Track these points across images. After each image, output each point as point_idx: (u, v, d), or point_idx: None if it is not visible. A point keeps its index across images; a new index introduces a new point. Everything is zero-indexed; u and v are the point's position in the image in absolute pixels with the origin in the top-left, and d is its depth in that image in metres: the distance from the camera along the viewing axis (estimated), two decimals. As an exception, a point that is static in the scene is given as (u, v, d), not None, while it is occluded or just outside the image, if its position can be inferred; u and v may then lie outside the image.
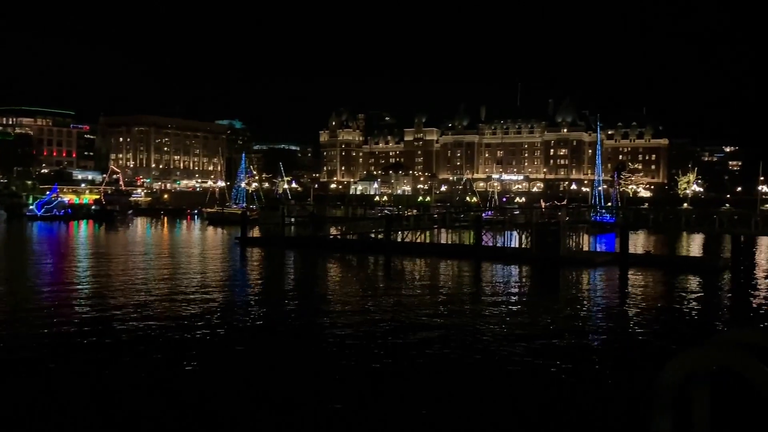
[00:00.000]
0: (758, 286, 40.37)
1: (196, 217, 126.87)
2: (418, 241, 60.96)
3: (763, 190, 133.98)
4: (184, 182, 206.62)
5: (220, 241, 73.13)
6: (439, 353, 21.61)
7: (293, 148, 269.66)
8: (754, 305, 33.42)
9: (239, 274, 44.29)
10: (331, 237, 65.36)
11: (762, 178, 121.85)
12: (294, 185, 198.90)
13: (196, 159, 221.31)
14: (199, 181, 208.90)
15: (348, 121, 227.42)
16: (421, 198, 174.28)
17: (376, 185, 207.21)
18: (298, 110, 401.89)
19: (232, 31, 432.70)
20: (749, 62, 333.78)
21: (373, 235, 61.70)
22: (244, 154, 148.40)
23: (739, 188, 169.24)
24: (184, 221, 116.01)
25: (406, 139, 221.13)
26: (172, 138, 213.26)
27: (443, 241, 67.55)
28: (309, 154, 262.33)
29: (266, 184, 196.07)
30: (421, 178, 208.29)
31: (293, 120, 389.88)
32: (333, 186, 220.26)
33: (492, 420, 15.65)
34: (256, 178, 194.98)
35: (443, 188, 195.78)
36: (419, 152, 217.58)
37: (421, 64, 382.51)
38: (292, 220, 78.40)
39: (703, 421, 4.28)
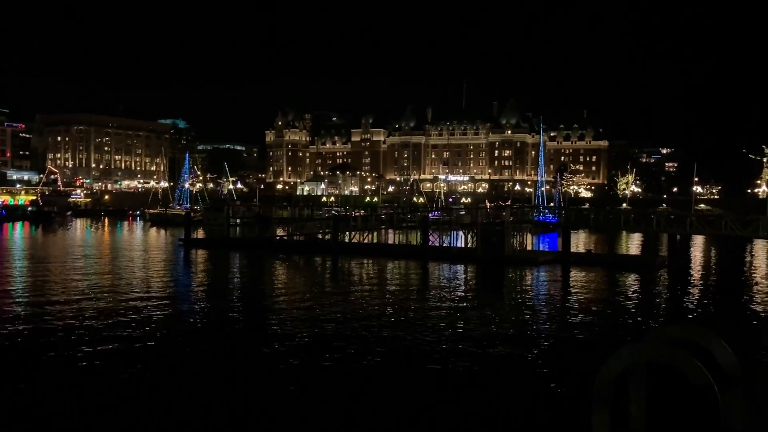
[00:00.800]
0: (693, 283, 41.97)
1: (138, 218, 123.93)
2: (366, 241, 61.03)
3: (698, 191, 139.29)
4: (125, 183, 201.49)
5: (163, 242, 71.61)
6: (386, 352, 21.68)
7: (238, 148, 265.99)
8: (690, 301, 34.72)
9: (183, 276, 43.46)
10: (278, 238, 64.78)
11: (696, 179, 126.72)
12: (239, 186, 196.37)
13: (138, 159, 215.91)
14: (142, 181, 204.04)
15: (294, 122, 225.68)
16: (368, 198, 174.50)
17: (323, 186, 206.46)
18: (243, 110, 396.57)
19: (175, 29, 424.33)
20: (685, 67, 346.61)
21: (320, 236, 61.47)
22: (187, 154, 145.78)
23: (675, 189, 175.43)
24: (126, 222, 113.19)
25: (353, 139, 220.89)
26: (113, 137, 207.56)
27: (390, 242, 67.79)
28: (255, 155, 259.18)
29: (211, 185, 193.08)
30: (369, 179, 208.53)
31: (239, 120, 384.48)
32: (279, 186, 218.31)
33: (435, 416, 15.81)
34: (201, 178, 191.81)
35: (390, 189, 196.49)
36: (366, 153, 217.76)
37: (368, 65, 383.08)
38: (238, 221, 77.37)
39: (640, 414, 4.44)
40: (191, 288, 37.86)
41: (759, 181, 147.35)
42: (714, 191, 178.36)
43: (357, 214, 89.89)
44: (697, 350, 4.47)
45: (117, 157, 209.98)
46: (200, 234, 75.36)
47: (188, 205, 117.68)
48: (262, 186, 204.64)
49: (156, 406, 16.42)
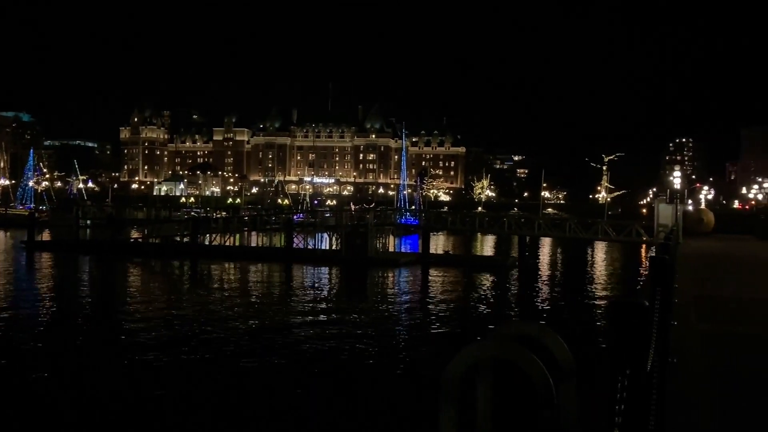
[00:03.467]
0: (540, 282, 44.94)
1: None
2: (227, 244, 59.53)
3: (546, 196, 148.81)
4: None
5: (2, 245, 65.84)
6: (246, 357, 21.27)
7: (90, 144, 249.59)
8: (537, 299, 37.08)
9: (25, 282, 40.10)
10: (132, 240, 61.57)
11: (544, 185, 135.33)
12: (91, 185, 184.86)
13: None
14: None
15: (152, 118, 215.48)
16: (230, 200, 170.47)
17: (182, 186, 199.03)
18: (95, 104, 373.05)
19: (20, 15, 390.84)
20: (536, 78, 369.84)
21: (178, 239, 59.23)
22: (32, 150, 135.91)
23: (526, 194, 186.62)
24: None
25: (215, 138, 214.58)
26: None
27: (253, 244, 66.61)
28: (108, 152, 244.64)
29: (59, 183, 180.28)
30: (231, 180, 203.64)
31: (90, 114, 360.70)
32: (135, 186, 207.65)
33: (294, 418, 15.75)
34: (47, 176, 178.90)
35: (254, 190, 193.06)
36: (229, 153, 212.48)
37: (230, 64, 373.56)
38: (88, 222, 72.74)
39: (486, 408, 4.66)
40: (33, 294, 34.98)
41: (599, 188, 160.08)
42: (560, 196, 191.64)
43: (218, 215, 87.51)
44: (537, 346, 4.76)
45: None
46: (46, 236, 70.09)
47: (32, 205, 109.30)
48: (116, 185, 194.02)
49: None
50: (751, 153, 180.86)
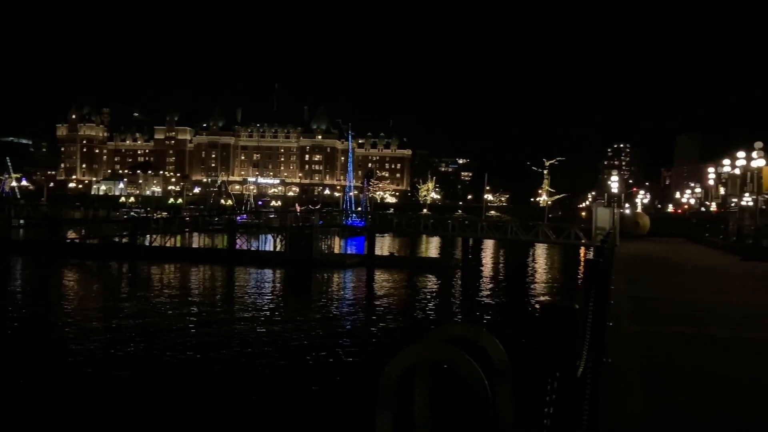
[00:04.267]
0: (482, 283, 45.62)
1: None
2: (168, 245, 58.25)
3: (489, 199, 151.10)
4: None
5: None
6: (186, 361, 20.84)
7: (24, 141, 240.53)
8: (479, 300, 37.58)
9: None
10: (69, 241, 59.57)
11: (488, 188, 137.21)
12: (25, 183, 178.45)
13: None
14: None
15: (91, 115, 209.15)
16: (172, 200, 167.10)
17: (121, 185, 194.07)
18: (31, 99, 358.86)
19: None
20: (480, 82, 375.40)
21: (117, 239, 57.68)
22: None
23: (470, 196, 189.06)
24: None
25: (156, 137, 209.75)
26: None
27: (195, 246, 65.37)
28: (44, 150, 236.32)
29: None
30: (173, 179, 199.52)
31: (25, 110, 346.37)
32: (72, 185, 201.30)
33: (236, 423, 15.50)
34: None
35: (197, 190, 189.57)
36: (171, 152, 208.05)
37: (173, 61, 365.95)
38: (21, 221, 70.11)
39: (424, 413, 4.64)
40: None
41: (540, 191, 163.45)
42: (503, 199, 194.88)
43: (159, 215, 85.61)
44: (474, 348, 4.77)
45: None
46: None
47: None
48: (52, 184, 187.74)
49: None
50: (684, 159, 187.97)
